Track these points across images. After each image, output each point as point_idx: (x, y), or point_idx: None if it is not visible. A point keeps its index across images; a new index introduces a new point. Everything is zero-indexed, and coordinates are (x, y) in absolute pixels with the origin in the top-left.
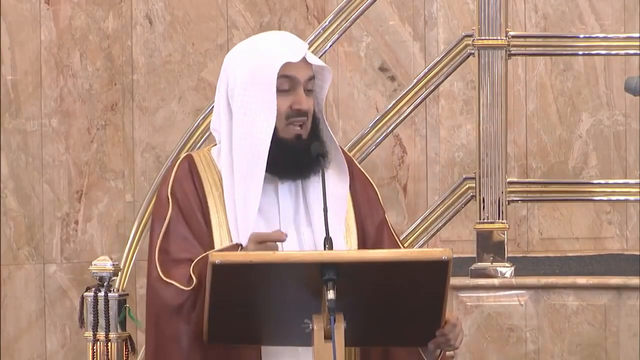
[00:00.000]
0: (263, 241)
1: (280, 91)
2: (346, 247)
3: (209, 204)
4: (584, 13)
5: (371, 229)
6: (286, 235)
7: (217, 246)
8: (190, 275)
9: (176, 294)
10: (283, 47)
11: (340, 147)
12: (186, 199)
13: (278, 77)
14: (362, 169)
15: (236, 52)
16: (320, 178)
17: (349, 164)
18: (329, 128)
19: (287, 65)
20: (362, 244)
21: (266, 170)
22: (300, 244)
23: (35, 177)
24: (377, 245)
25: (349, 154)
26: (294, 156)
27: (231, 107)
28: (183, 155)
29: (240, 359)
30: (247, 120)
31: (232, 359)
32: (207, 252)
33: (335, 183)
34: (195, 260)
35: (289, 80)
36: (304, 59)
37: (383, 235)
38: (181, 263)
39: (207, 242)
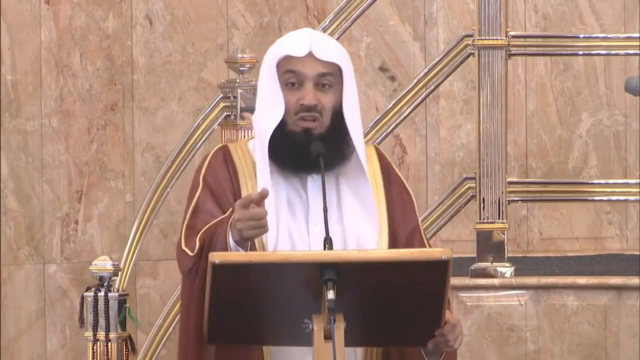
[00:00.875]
0: (246, 204)
1: (287, 85)
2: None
3: (242, 191)
4: (584, 13)
5: (403, 235)
6: (267, 191)
7: None
8: (196, 241)
9: (186, 260)
10: (289, 42)
11: (379, 149)
12: (219, 184)
13: (284, 72)
14: (400, 175)
15: (269, 48)
16: (361, 176)
17: (386, 167)
18: (357, 126)
19: (292, 59)
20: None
21: (281, 164)
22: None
23: (35, 177)
24: None
25: (387, 157)
26: (297, 149)
27: None
28: (218, 145)
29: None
30: (260, 113)
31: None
32: (216, 220)
33: (361, 184)
34: (205, 227)
35: (295, 75)
36: (311, 54)
37: (414, 244)
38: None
39: None
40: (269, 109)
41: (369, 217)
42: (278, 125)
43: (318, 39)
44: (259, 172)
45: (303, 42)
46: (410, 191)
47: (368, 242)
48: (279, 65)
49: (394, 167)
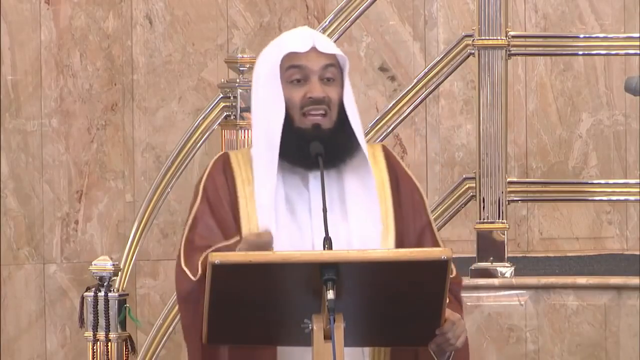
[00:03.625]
0: (255, 246)
1: (291, 82)
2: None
3: (239, 199)
4: (584, 13)
5: (413, 235)
6: (271, 236)
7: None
8: (198, 265)
9: (186, 283)
10: (290, 39)
11: (387, 148)
12: (216, 193)
13: (288, 68)
14: (409, 172)
15: (263, 50)
16: (373, 173)
17: (394, 166)
18: (358, 120)
19: (295, 55)
20: (400, 247)
21: (288, 162)
22: (335, 239)
23: (35, 177)
24: None
25: (396, 156)
26: (306, 146)
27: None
28: (219, 153)
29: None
30: (261, 114)
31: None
32: (217, 246)
33: (365, 180)
34: (207, 252)
35: (299, 71)
36: (315, 48)
37: (424, 243)
38: (199, 251)
39: (234, 234)
40: (271, 108)
41: (373, 215)
42: (283, 123)
43: (318, 34)
44: (261, 176)
45: (305, 37)
46: (421, 189)
47: (373, 241)
48: (280, 63)
49: (404, 165)
